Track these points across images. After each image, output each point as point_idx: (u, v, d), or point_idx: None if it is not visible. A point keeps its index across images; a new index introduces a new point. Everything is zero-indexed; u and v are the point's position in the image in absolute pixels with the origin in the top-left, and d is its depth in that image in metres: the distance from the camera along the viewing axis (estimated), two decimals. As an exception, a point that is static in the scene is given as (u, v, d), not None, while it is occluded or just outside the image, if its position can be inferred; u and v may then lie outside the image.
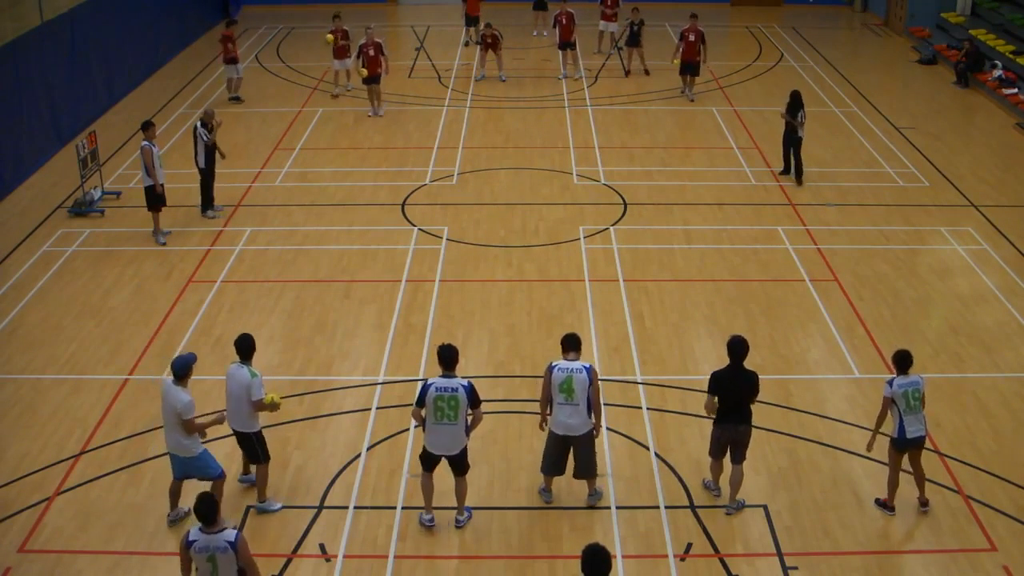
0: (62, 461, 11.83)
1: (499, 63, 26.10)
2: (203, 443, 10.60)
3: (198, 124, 18.01)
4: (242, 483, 11.33)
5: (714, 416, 10.76)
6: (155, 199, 16.90)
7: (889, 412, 10.62)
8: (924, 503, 10.91)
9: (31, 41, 20.70)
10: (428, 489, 10.64)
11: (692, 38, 23.74)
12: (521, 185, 19.63)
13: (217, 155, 18.25)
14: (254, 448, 10.84)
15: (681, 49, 23.98)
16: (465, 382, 10.33)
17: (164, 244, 16.96)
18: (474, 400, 10.33)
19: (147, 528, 10.77)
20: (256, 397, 10.54)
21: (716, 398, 10.64)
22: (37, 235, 17.59)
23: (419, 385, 10.56)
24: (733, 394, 10.61)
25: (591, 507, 11.01)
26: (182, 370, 10.34)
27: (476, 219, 18.06)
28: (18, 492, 11.32)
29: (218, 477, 10.60)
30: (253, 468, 11.18)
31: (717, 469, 11.06)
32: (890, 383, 10.62)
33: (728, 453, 10.88)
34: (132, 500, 11.18)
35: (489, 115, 23.68)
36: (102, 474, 11.57)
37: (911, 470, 10.90)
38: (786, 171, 19.76)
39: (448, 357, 10.36)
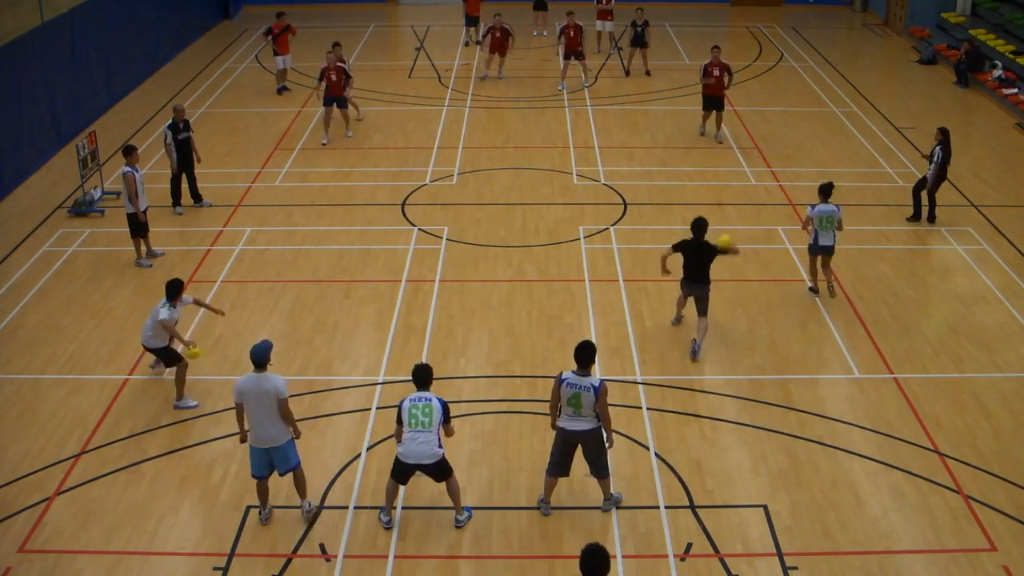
0: (62, 461, 11.83)
1: (500, 62, 26.04)
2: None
3: (166, 124, 18.07)
4: (152, 368, 13.51)
5: (667, 269, 13.94)
6: (137, 227, 16.28)
7: (809, 227, 15.01)
8: (816, 290, 15.31)
9: (31, 41, 20.70)
10: (392, 492, 10.69)
11: (717, 73, 21.23)
12: (521, 185, 19.64)
13: (194, 156, 18.30)
14: (167, 357, 12.87)
15: (704, 86, 21.56)
16: (439, 397, 10.46)
17: (151, 266, 16.34)
18: (446, 415, 10.42)
19: (147, 528, 10.77)
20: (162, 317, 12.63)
21: (677, 254, 13.67)
22: (37, 235, 17.59)
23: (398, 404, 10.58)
24: (695, 259, 13.66)
25: (593, 508, 11.01)
26: (263, 358, 10.46)
27: (476, 219, 18.06)
28: (18, 492, 11.32)
29: (296, 466, 10.79)
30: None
31: (683, 303, 14.28)
32: (812, 207, 15.01)
33: (695, 306, 13.93)
34: (132, 500, 11.18)
35: (489, 115, 23.69)
36: (102, 474, 11.58)
37: (824, 274, 15.17)
38: (916, 216, 17.90)
39: (421, 376, 10.51)
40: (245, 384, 10.44)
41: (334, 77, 21.58)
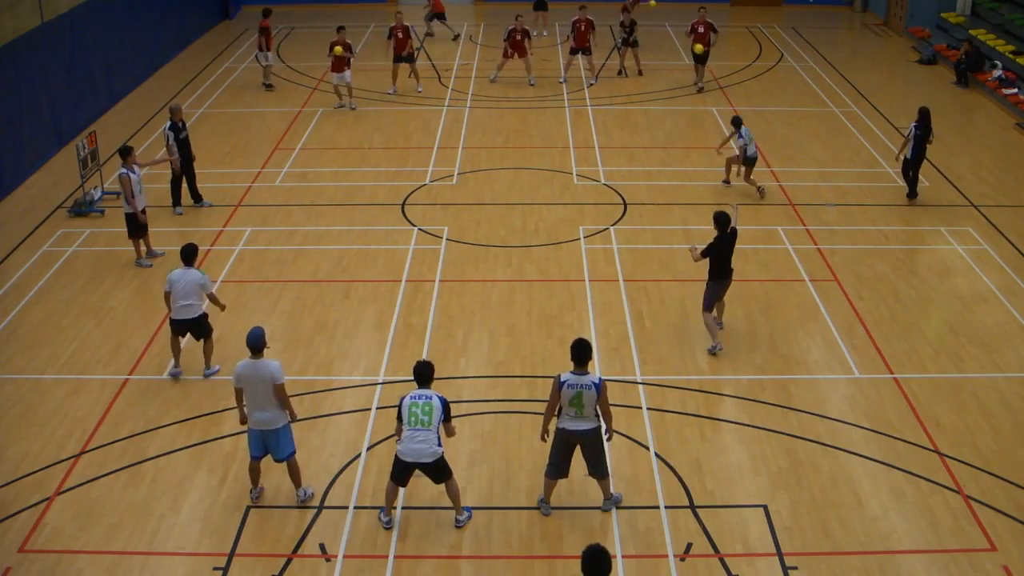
0: (62, 461, 11.83)
1: (527, 65, 25.87)
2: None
3: (166, 126, 18.06)
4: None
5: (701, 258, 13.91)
6: (136, 227, 16.28)
7: (740, 142, 18.41)
8: (727, 182, 19.31)
9: (31, 41, 20.70)
10: (392, 493, 10.70)
11: (701, 30, 24.94)
12: (521, 185, 19.64)
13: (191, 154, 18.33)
14: (204, 327, 13.38)
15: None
16: (440, 395, 10.45)
17: (151, 266, 16.36)
18: (447, 414, 10.40)
19: (147, 528, 10.77)
20: (209, 290, 13.33)
21: (708, 259, 13.74)
22: (37, 235, 17.59)
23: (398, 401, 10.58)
24: (726, 255, 13.82)
25: (593, 508, 11.01)
26: (259, 343, 10.69)
27: (476, 219, 18.07)
28: (18, 492, 11.32)
29: (292, 455, 10.97)
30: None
31: (712, 320, 14.03)
32: (747, 130, 18.41)
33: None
34: (132, 500, 11.18)
35: (489, 115, 23.69)
36: (102, 474, 11.58)
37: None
38: (912, 194, 18.79)
39: (422, 373, 10.51)
40: (242, 369, 10.68)
41: (400, 35, 24.02)
